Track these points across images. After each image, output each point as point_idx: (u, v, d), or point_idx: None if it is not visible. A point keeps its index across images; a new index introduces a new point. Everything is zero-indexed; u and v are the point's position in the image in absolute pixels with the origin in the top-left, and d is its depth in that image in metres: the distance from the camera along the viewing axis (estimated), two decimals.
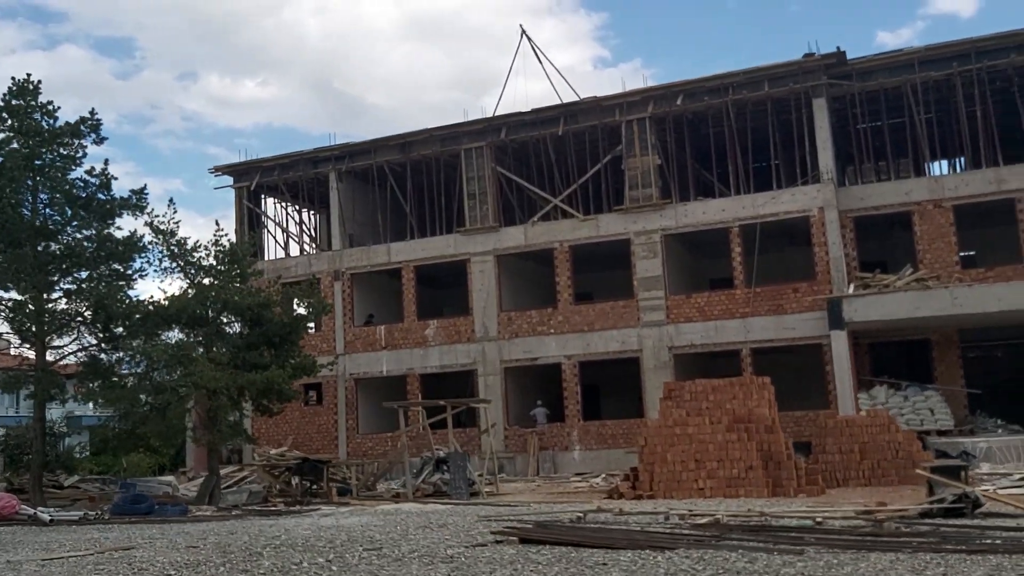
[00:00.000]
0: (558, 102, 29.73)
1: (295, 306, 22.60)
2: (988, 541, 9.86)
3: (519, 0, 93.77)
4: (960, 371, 25.00)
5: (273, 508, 18.64)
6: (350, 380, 31.31)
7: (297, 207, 35.11)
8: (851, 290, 24.18)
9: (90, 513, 16.77)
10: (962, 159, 28.27)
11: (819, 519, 12.21)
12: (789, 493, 17.89)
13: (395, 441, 30.54)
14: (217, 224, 22.82)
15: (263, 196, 34.63)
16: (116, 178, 20.26)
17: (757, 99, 27.00)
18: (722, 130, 27.71)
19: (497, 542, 10.77)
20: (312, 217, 35.91)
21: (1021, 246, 24.44)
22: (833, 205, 25.75)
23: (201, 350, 19.62)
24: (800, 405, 25.23)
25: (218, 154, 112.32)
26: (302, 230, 34.93)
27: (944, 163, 30.09)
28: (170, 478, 24.67)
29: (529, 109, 29.48)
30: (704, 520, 12.03)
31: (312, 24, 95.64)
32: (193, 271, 20.36)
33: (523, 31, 31.90)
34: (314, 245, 34.85)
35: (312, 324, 21.77)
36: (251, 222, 33.68)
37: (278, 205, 35.16)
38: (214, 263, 20.44)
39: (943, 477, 13.08)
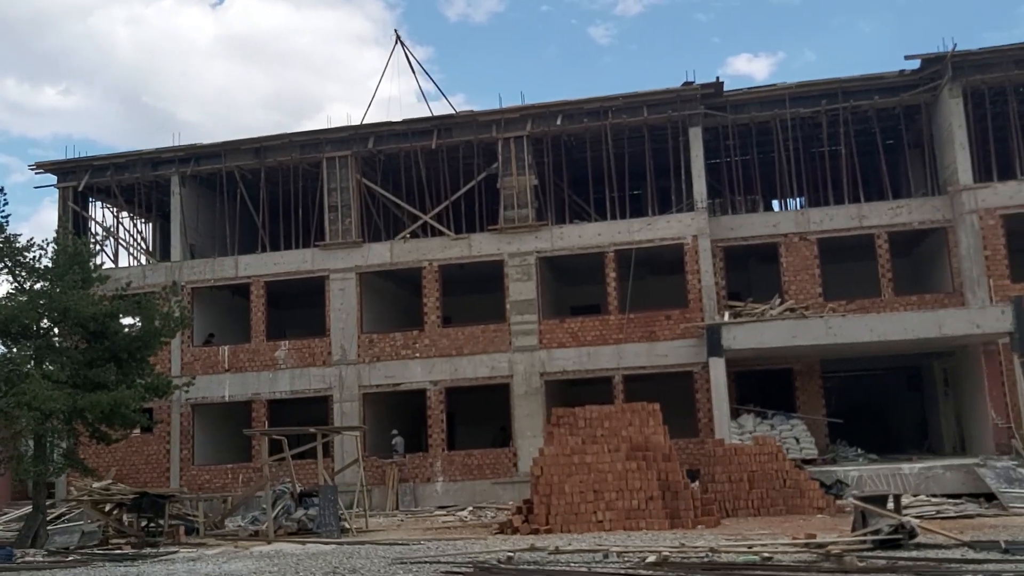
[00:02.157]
0: (429, 115, 28.44)
1: (139, 319, 19.86)
2: None
3: (344, 27, 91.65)
4: (821, 400, 25.55)
5: (119, 552, 15.98)
6: (186, 405, 28.31)
7: (130, 213, 31.69)
8: (726, 318, 24.20)
9: None
10: (813, 196, 29.11)
11: (766, 554, 11.46)
12: (688, 524, 17.24)
13: (236, 474, 27.97)
14: (61, 221, 19.78)
15: (91, 200, 31.11)
16: None
17: (635, 124, 26.83)
18: (599, 154, 27.35)
19: None
20: (146, 226, 32.60)
21: (880, 280, 25.38)
22: (707, 234, 25.84)
23: (31, 365, 16.70)
24: (669, 433, 24.90)
25: (9, 163, 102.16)
26: (137, 239, 31.57)
27: (796, 200, 31.09)
28: None
29: (401, 119, 28.01)
30: (652, 558, 10.97)
31: (122, 34, 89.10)
32: (24, 273, 17.40)
33: (398, 37, 30.41)
34: (148, 256, 31.54)
35: (166, 339, 19.10)
36: (76, 228, 30.03)
37: (106, 210, 31.68)
38: (50, 265, 17.57)
39: (875, 507, 12.69)
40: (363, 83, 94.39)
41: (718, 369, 22.81)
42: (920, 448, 28.29)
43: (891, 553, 11.56)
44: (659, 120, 26.63)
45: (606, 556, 11.55)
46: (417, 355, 27.26)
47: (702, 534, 15.64)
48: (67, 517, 23.97)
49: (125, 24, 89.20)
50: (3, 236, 17.47)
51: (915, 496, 20.32)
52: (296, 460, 23.28)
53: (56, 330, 17.65)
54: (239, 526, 22.03)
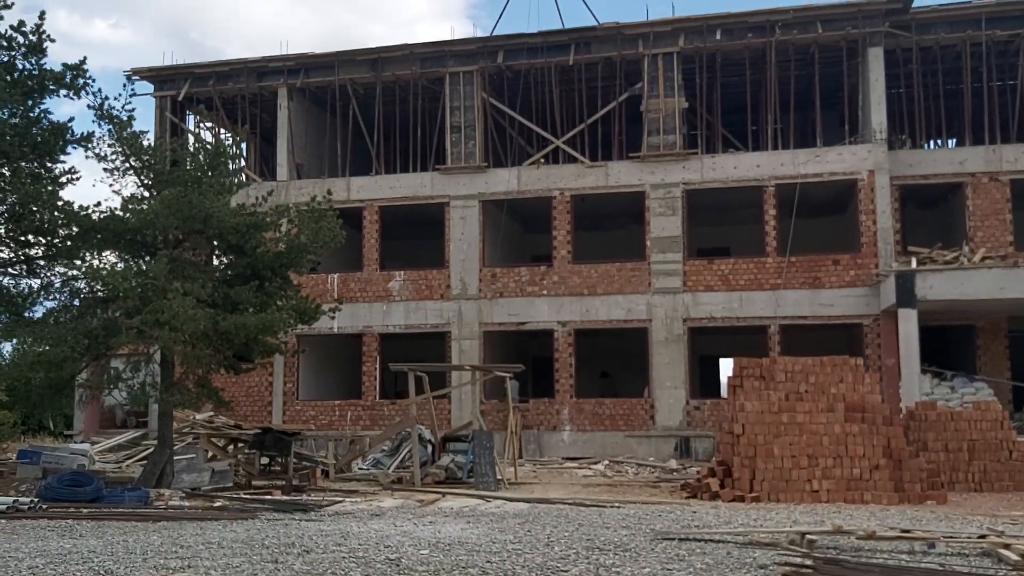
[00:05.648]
0: (566, 27, 25.56)
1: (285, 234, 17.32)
2: None
3: None
4: (1007, 362, 22.71)
5: (272, 498, 13.84)
6: (290, 335, 26.18)
7: (229, 130, 29.32)
8: (913, 265, 21.34)
9: (22, 500, 11.57)
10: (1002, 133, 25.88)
11: None
12: (914, 499, 14.67)
13: (344, 411, 26.05)
14: (158, 134, 17.48)
15: (188, 112, 28.85)
16: (53, 40, 14.74)
17: (803, 43, 23.76)
18: (759, 76, 24.36)
19: None
20: (245, 144, 30.26)
21: None
22: (885, 169, 22.88)
23: (163, 279, 14.43)
24: None
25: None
26: (243, 156, 29.30)
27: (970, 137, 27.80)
28: (84, 446, 19.23)
29: (535, 31, 25.19)
30: (1012, 555, 8.45)
31: None
32: (152, 175, 15.11)
33: None
34: (249, 175, 29.26)
35: (314, 256, 16.78)
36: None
37: (203, 123, 29.37)
38: (185, 167, 15.23)
39: None
40: (409, 27, 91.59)
41: (909, 322, 20.01)
42: None
43: None
44: (832, 38, 23.51)
45: (932, 546, 9.11)
46: (544, 292, 24.85)
47: (964, 516, 13.07)
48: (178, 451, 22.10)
49: None
50: (129, 132, 15.15)
51: None
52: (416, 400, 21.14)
53: (188, 243, 15.37)
54: (361, 469, 20.07)
